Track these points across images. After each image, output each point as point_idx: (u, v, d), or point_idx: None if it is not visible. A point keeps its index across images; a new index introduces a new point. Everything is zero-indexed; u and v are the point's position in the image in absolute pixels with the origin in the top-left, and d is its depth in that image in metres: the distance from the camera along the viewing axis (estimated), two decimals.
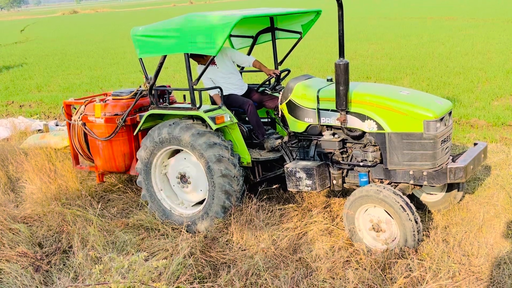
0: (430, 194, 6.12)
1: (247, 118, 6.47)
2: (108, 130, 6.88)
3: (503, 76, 13.99)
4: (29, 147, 9.52)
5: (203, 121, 6.01)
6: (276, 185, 6.54)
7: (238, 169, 5.92)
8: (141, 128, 6.44)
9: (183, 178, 6.23)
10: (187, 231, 5.96)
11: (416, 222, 4.90)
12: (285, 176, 5.76)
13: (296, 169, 5.64)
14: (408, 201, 4.98)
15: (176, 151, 6.42)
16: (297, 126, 5.93)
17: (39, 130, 11.44)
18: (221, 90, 6.17)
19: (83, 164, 7.70)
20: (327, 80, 6.04)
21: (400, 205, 4.89)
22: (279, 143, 6.15)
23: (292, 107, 5.89)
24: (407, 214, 4.86)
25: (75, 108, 7.49)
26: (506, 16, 32.14)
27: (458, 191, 5.92)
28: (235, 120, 6.09)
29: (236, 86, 6.61)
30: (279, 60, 7.10)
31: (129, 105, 6.84)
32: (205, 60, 6.46)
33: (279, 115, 6.22)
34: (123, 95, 7.13)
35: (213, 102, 6.60)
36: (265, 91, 6.67)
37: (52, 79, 19.98)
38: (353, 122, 5.43)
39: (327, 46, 23.15)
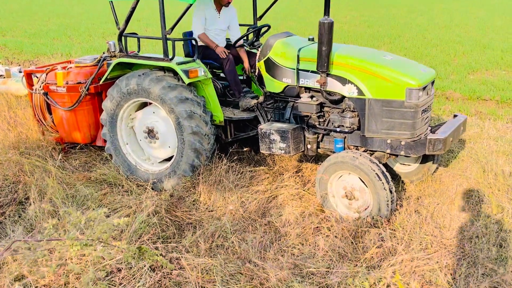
0: (404, 164, 5.99)
1: (222, 74, 6.16)
2: (71, 100, 6.52)
3: (479, 51, 13.94)
4: None
5: (175, 73, 5.68)
6: (246, 148, 6.29)
7: (209, 127, 5.65)
8: (107, 78, 6.06)
9: (150, 133, 5.93)
10: (152, 189, 5.70)
11: (391, 192, 4.75)
12: (258, 138, 5.52)
13: (270, 131, 5.40)
14: (384, 170, 4.82)
15: (145, 104, 6.09)
16: (274, 86, 5.66)
17: (1, 75, 10.85)
18: (196, 42, 5.82)
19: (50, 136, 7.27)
20: (309, 39, 5.76)
21: (376, 173, 4.73)
22: (254, 103, 5.88)
23: (270, 66, 5.60)
24: (382, 183, 4.71)
25: (37, 78, 7.06)
26: None
27: (433, 163, 5.80)
28: (209, 75, 5.77)
29: (219, 42, 6.27)
30: (258, 15, 6.75)
31: (92, 73, 6.46)
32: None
33: (256, 74, 5.94)
34: (86, 62, 6.74)
35: (187, 55, 6.26)
36: (243, 46, 6.34)
37: (17, 24, 19.05)
38: (333, 86, 5.19)
39: (312, 6, 22.70)
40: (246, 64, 6.27)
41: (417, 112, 4.87)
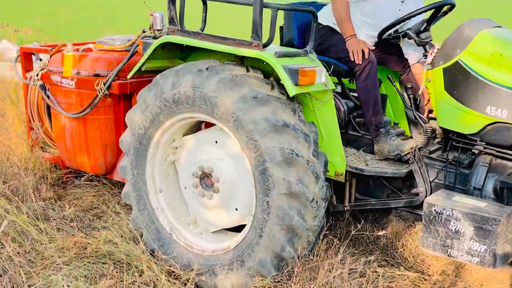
0: None
1: (352, 82, 3.42)
2: (81, 101, 3.95)
3: None
4: None
5: (266, 75, 2.98)
6: (382, 232, 3.38)
7: (321, 186, 2.87)
8: (142, 69, 3.37)
9: (206, 179, 3.18)
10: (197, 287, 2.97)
11: None
12: (423, 221, 2.70)
13: (451, 213, 2.58)
14: None
15: (200, 125, 3.43)
16: (462, 120, 2.86)
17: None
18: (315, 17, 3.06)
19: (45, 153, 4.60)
20: None
21: None
22: (410, 148, 3.06)
23: (460, 79, 2.82)
24: None
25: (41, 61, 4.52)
26: None
27: None
28: (333, 86, 3.01)
29: (361, 34, 3.47)
30: None
31: (120, 61, 3.86)
32: None
33: (417, 92, 3.19)
34: (115, 43, 4.13)
35: (288, 43, 3.53)
36: (392, 41, 3.48)
37: (63, 11, 16.99)
38: None
39: None
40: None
41: None
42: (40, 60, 4.75)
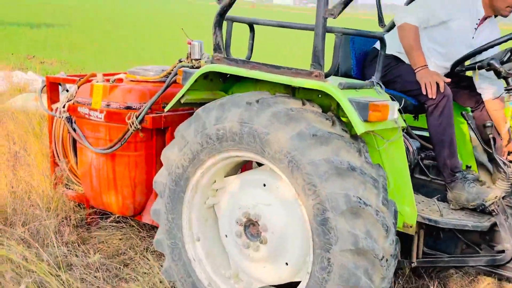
0: None
1: (416, 119, 3.01)
2: (111, 135, 3.64)
3: None
4: (13, 109, 6.33)
5: (324, 109, 2.60)
6: None
7: (391, 240, 2.44)
8: (181, 101, 3.00)
9: (251, 227, 2.77)
10: None
11: None
12: None
13: None
14: None
15: (244, 165, 3.03)
16: None
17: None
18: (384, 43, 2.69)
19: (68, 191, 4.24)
20: None
21: None
22: (495, 197, 2.62)
23: None
24: None
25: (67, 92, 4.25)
26: None
27: None
28: (403, 123, 2.60)
29: (434, 65, 3.08)
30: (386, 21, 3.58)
31: (154, 93, 3.53)
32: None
33: (495, 131, 2.76)
34: (148, 74, 3.81)
35: (345, 73, 3.16)
36: (462, 73, 3.08)
37: (91, 43, 16.97)
38: None
39: None
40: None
41: None
42: (67, 91, 4.46)
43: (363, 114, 2.34)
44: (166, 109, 3.12)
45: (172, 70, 3.72)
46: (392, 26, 3.43)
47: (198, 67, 3.57)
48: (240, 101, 2.67)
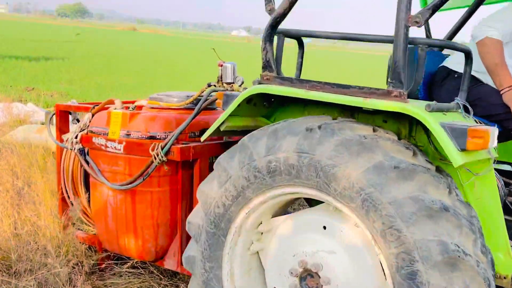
0: None
1: None
2: (131, 169, 3.18)
3: None
4: (14, 142, 5.88)
5: (398, 136, 2.17)
6: None
7: None
8: (220, 128, 2.57)
9: (309, 279, 2.29)
10: None
11: None
12: None
13: None
14: None
15: (289, 204, 2.59)
16: None
17: (43, 124, 7.74)
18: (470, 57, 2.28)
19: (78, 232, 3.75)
20: None
21: None
22: None
23: None
24: None
25: (77, 122, 3.84)
26: None
27: None
28: (495, 154, 2.17)
29: None
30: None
31: (180, 121, 3.11)
32: None
33: None
34: (172, 100, 3.38)
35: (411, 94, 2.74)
36: None
37: (91, 76, 16.65)
38: None
39: None
40: None
41: None
42: (77, 120, 4.04)
43: (460, 142, 1.91)
44: (203, 138, 2.69)
45: (200, 95, 3.31)
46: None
47: (231, 90, 3.18)
48: (297, 127, 2.25)
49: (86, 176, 3.68)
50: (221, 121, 2.52)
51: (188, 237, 3.22)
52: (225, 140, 3.23)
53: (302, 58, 2.66)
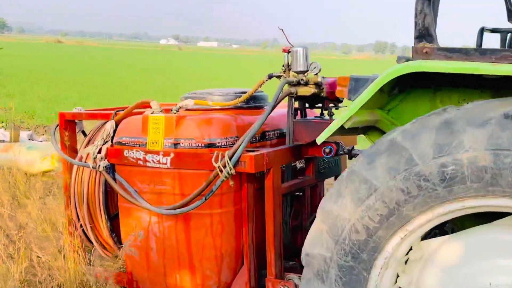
0: None
1: None
2: (183, 187, 2.52)
3: None
4: None
5: None
6: None
7: None
8: (345, 126, 1.90)
9: None
10: None
11: None
12: None
13: None
14: None
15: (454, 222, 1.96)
16: None
17: (2, 141, 6.68)
18: None
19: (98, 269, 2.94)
20: None
21: None
22: None
23: None
24: None
25: (85, 134, 3.06)
26: None
27: None
28: None
29: None
30: None
31: (241, 124, 2.57)
32: None
33: None
34: (218, 99, 2.70)
35: None
36: None
37: (29, 89, 15.38)
38: None
39: None
40: None
41: None
42: (83, 132, 3.23)
43: None
44: (319, 140, 1.99)
45: (258, 90, 2.64)
46: None
47: (306, 83, 2.52)
48: (482, 116, 1.63)
49: (106, 197, 2.90)
50: (349, 114, 1.86)
51: (255, 268, 2.55)
52: (293, 144, 2.58)
53: None
